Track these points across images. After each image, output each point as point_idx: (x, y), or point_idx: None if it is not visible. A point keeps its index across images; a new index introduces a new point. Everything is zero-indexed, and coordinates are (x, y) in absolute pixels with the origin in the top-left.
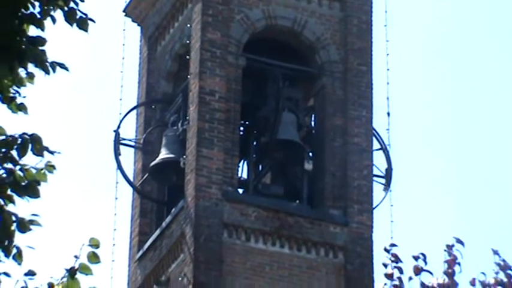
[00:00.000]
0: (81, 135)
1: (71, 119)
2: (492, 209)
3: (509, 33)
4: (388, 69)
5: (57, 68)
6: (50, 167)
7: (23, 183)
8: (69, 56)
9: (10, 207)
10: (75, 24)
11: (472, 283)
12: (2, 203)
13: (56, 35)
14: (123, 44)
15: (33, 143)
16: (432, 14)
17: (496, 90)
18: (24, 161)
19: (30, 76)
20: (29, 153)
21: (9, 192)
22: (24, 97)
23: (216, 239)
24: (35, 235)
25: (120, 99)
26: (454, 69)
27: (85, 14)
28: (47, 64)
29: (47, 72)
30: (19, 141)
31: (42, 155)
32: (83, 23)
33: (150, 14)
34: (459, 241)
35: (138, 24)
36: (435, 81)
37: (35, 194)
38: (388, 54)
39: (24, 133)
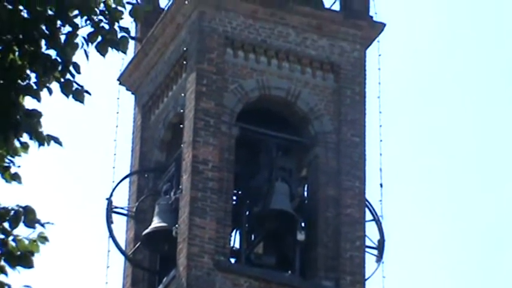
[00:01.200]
0: (73, 203)
1: (64, 187)
2: (486, 282)
3: (507, 72)
4: (381, 141)
5: (51, 141)
6: (43, 238)
7: (17, 254)
8: (64, 125)
9: (2, 278)
10: (71, 96)
11: None
12: None
13: (51, 105)
14: (117, 112)
15: (26, 214)
16: (425, 86)
17: (495, 142)
18: (16, 231)
19: (24, 146)
20: (22, 225)
21: (2, 263)
22: (18, 167)
23: None
24: None
25: (113, 167)
26: (447, 141)
27: (81, 86)
28: (42, 136)
29: (42, 144)
30: (12, 212)
31: (34, 227)
32: (78, 95)
33: (144, 83)
34: None
35: (133, 93)
36: (428, 154)
37: (28, 265)
38: (381, 126)
39: (17, 205)
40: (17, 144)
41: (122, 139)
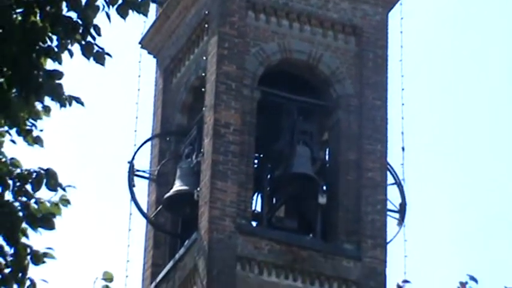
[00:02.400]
0: (95, 166)
1: (85, 150)
2: (507, 246)
3: None
4: (403, 104)
5: (73, 102)
6: (65, 201)
7: (38, 216)
8: (85, 87)
9: (23, 241)
10: (92, 58)
11: None
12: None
13: (72, 68)
14: (139, 76)
15: (48, 178)
16: (447, 50)
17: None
18: (38, 194)
19: (47, 109)
20: (44, 187)
21: (24, 225)
22: (41, 130)
23: (229, 272)
24: (48, 268)
25: (135, 131)
26: (470, 104)
27: (102, 48)
28: (64, 97)
29: (63, 105)
30: (34, 175)
31: (56, 190)
32: (99, 57)
33: (166, 46)
34: (472, 278)
35: (154, 56)
36: (450, 117)
37: (50, 226)
38: (403, 89)
39: (39, 168)
40: (38, 107)
41: (143, 102)
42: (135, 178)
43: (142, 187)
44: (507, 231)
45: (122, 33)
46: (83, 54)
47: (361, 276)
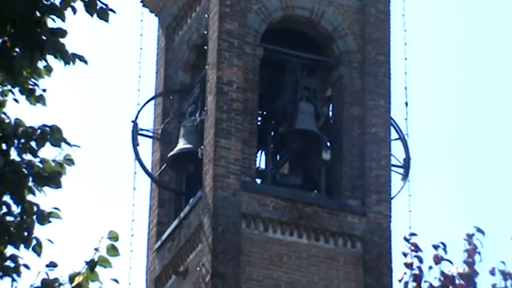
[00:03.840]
0: (99, 126)
1: (88, 110)
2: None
3: None
4: (406, 59)
5: (76, 60)
6: (69, 161)
7: (44, 175)
8: (88, 47)
9: (31, 197)
10: (95, 15)
11: (492, 272)
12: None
13: (75, 25)
14: (141, 35)
15: (53, 134)
16: (450, 3)
17: None
18: (43, 153)
19: (48, 69)
20: (48, 145)
21: (30, 183)
22: (44, 90)
23: (234, 229)
24: (54, 226)
25: (138, 90)
26: (473, 58)
27: (105, 5)
28: (67, 55)
29: (67, 63)
30: (38, 132)
31: (60, 146)
32: (103, 14)
33: (168, 5)
34: (479, 230)
35: (156, 15)
36: (453, 71)
37: (56, 185)
38: (406, 44)
39: (43, 124)
40: (41, 66)
41: (146, 61)
42: (139, 137)
43: (146, 146)
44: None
45: None
46: (86, 10)
47: (366, 231)
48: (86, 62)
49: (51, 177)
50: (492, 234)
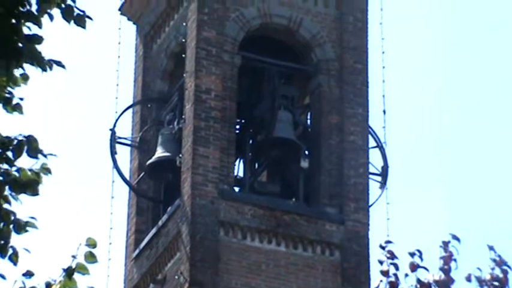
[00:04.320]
0: (76, 134)
1: (66, 118)
2: (487, 206)
3: (507, 30)
4: (383, 67)
5: (54, 66)
6: (46, 170)
7: (21, 182)
8: (65, 55)
9: (6, 207)
10: (72, 22)
11: (468, 279)
12: None
13: (53, 33)
14: (119, 43)
15: (29, 144)
16: (428, 11)
17: (494, 89)
18: (19, 162)
19: (24, 77)
20: (24, 154)
21: (6, 192)
22: (21, 99)
23: (212, 238)
24: (31, 235)
25: (116, 98)
26: (450, 67)
27: (82, 11)
28: (44, 61)
29: (45, 70)
30: (15, 142)
31: (37, 157)
32: (80, 20)
33: (146, 13)
34: (455, 237)
35: (134, 23)
36: (431, 79)
37: (33, 192)
38: (383, 52)
39: (20, 134)
40: (17, 74)
41: (124, 69)
42: (117, 145)
43: (124, 154)
44: (489, 190)
45: (101, 1)
46: (63, 17)
47: (344, 239)
48: (63, 66)
49: (27, 184)
50: (468, 242)
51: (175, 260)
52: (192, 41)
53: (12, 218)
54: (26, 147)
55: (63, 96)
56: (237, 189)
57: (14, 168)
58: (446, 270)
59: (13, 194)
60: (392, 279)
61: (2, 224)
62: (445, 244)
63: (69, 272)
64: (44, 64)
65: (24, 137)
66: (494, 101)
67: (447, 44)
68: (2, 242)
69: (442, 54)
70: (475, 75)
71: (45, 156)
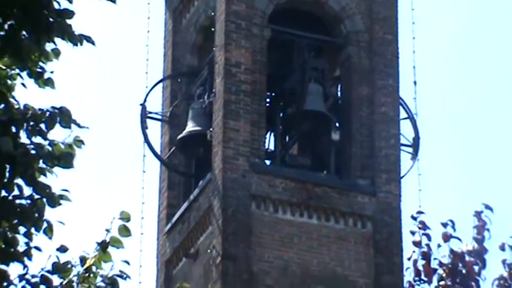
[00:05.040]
0: (107, 109)
1: (97, 93)
2: None
3: None
4: (414, 38)
5: (84, 41)
6: (79, 142)
7: (55, 155)
8: (96, 29)
9: (42, 179)
10: None
11: (502, 248)
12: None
13: (82, 8)
14: (148, 18)
15: (62, 116)
16: None
17: None
18: (52, 135)
19: (56, 52)
20: (57, 127)
21: (41, 164)
22: (52, 72)
23: (244, 211)
24: (65, 208)
25: (146, 73)
26: (482, 37)
27: None
28: (75, 36)
29: (75, 45)
30: (47, 114)
31: (70, 128)
32: None
33: None
34: (488, 207)
35: None
36: (462, 50)
37: (68, 164)
38: (414, 23)
39: (52, 107)
40: (49, 49)
41: (153, 44)
42: (148, 120)
43: (155, 129)
44: None
45: None
46: None
47: (376, 211)
48: (93, 43)
49: (62, 157)
50: (501, 212)
51: (207, 234)
52: (221, 14)
53: (47, 191)
54: (58, 119)
55: (93, 72)
56: (268, 162)
57: (47, 142)
58: (479, 240)
59: (47, 167)
60: (425, 249)
61: (37, 197)
62: (478, 214)
63: (103, 246)
64: (75, 39)
65: (57, 109)
66: None
67: (478, 15)
68: (37, 215)
69: (473, 25)
70: (508, 46)
71: (78, 126)
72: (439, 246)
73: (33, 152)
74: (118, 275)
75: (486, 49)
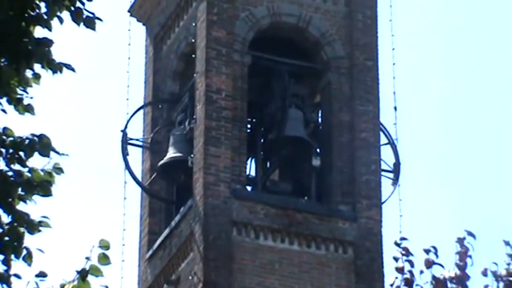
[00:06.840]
0: (88, 135)
1: (78, 120)
2: (502, 200)
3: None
4: (394, 64)
5: (64, 69)
6: (58, 169)
7: (34, 183)
8: (76, 57)
9: (21, 206)
10: (82, 24)
11: (484, 273)
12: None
13: (63, 35)
14: (129, 44)
15: (41, 144)
16: (437, 8)
17: (505, 85)
18: (31, 162)
19: (36, 76)
20: (36, 155)
21: (19, 192)
22: (31, 98)
23: (225, 237)
24: (44, 237)
25: (127, 99)
26: (462, 62)
27: (92, 13)
28: (54, 64)
29: (55, 72)
30: (26, 142)
31: (49, 156)
32: (90, 22)
33: (155, 14)
34: (470, 234)
35: (143, 24)
36: (442, 75)
37: (46, 193)
38: (393, 49)
39: (32, 134)
40: (28, 74)
41: (134, 70)
42: (129, 146)
43: (136, 155)
44: (503, 185)
45: (110, 2)
46: (73, 20)
47: (357, 237)
48: (73, 69)
49: (40, 185)
50: (483, 238)
51: (188, 261)
52: (201, 41)
53: (26, 218)
54: (37, 147)
55: (74, 98)
56: (249, 188)
57: (26, 169)
58: (461, 267)
59: (26, 194)
60: (408, 276)
61: (15, 224)
62: (461, 241)
63: (82, 274)
64: (54, 66)
65: (36, 136)
66: (505, 97)
67: (457, 40)
68: (16, 243)
69: (452, 50)
70: (486, 71)
71: (58, 153)
72: (421, 272)
73: (12, 179)
74: None
75: (467, 74)
